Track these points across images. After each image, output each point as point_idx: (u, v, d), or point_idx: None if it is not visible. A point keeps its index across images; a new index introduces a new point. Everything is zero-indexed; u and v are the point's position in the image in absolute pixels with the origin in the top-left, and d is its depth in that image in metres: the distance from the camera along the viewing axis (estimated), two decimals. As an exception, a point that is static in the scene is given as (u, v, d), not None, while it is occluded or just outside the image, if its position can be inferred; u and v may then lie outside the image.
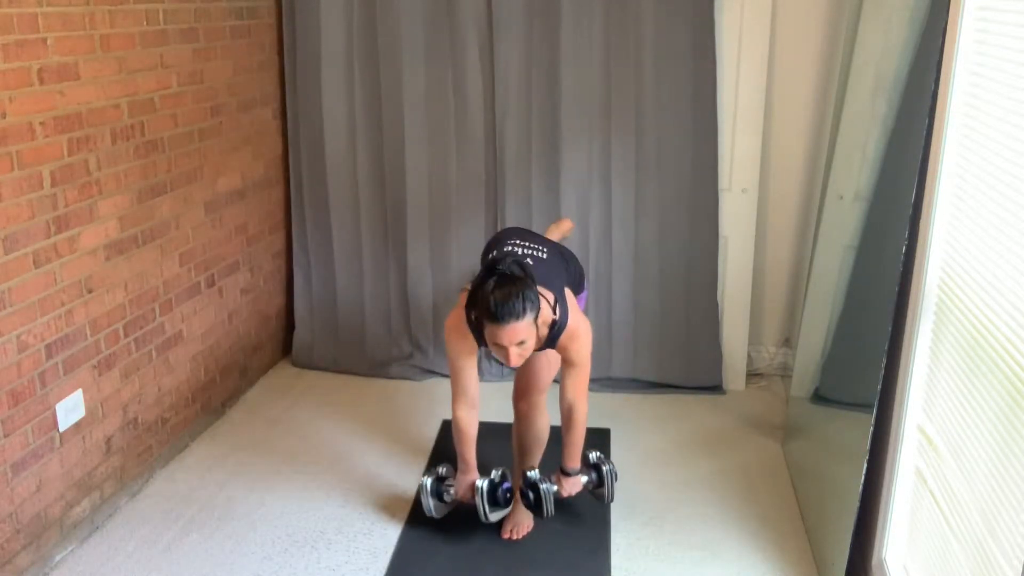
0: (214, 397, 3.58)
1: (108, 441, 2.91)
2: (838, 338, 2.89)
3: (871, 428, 2.34)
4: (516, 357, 2.37)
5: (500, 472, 2.72)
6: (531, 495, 2.65)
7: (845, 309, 2.83)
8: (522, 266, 2.39)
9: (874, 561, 2.49)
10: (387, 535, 2.85)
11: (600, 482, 2.76)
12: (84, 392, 2.77)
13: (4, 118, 2.37)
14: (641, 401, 3.77)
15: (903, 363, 2.31)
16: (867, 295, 2.59)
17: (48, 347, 2.60)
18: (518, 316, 2.29)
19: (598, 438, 3.44)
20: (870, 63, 2.77)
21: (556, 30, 3.55)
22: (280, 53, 3.90)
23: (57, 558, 2.70)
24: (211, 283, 3.49)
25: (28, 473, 2.56)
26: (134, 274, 2.99)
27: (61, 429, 2.68)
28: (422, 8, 3.63)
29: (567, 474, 2.71)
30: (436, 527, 2.87)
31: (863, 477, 2.35)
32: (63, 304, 2.66)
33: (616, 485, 2.77)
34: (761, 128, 3.63)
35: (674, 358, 3.83)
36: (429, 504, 2.72)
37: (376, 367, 4.01)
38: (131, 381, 3.01)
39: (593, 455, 2.80)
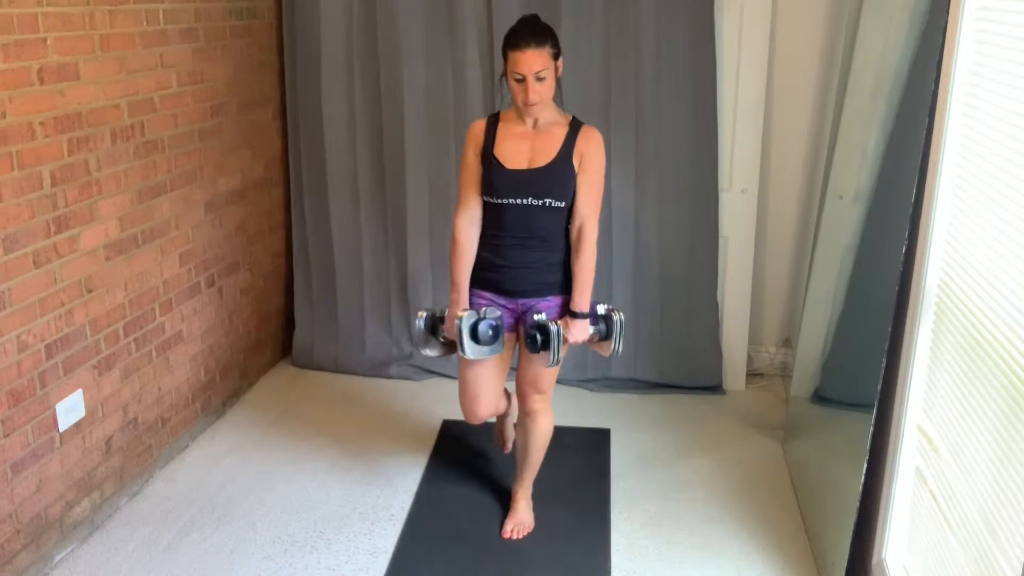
0: (214, 397, 3.58)
1: (108, 441, 2.91)
2: (838, 338, 2.89)
3: (871, 428, 2.34)
4: (534, 92, 2.44)
5: (489, 308, 2.59)
6: (539, 336, 2.52)
7: (845, 309, 2.83)
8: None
9: (874, 561, 2.49)
10: (387, 535, 2.85)
11: (608, 333, 2.62)
12: (84, 392, 2.77)
13: (4, 118, 2.37)
14: (641, 401, 3.77)
15: (903, 363, 2.31)
16: (867, 295, 2.59)
17: (48, 347, 2.60)
18: (539, 40, 2.43)
19: (598, 438, 3.45)
20: (870, 63, 2.77)
21: (556, 30, 3.54)
22: (280, 53, 3.90)
23: (57, 558, 2.70)
24: (211, 283, 3.49)
25: (28, 473, 2.56)
26: (134, 274, 2.99)
27: (61, 429, 2.68)
28: (422, 8, 3.63)
29: (575, 316, 2.57)
30: (436, 527, 2.87)
31: (863, 477, 2.35)
32: (63, 304, 2.66)
33: (623, 339, 2.60)
34: (761, 128, 3.63)
35: (674, 358, 3.83)
36: (422, 336, 2.72)
37: (376, 367, 4.01)
38: (131, 381, 3.01)
39: (602, 307, 2.63)
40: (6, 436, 2.47)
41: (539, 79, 2.44)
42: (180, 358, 3.30)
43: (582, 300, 2.57)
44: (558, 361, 2.53)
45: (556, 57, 2.49)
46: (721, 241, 3.72)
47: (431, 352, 2.75)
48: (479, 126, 2.64)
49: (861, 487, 2.35)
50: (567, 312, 2.61)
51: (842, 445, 2.64)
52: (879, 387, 2.33)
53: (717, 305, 3.78)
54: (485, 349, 2.57)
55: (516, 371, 2.78)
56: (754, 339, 3.99)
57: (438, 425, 3.55)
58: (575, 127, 2.58)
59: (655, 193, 3.67)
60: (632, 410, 3.70)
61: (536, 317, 2.55)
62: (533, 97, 2.46)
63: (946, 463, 2.07)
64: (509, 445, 3.11)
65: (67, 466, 2.72)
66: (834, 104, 3.34)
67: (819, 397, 3.03)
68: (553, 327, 2.49)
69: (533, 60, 2.42)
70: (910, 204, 2.22)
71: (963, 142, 2.07)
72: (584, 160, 2.55)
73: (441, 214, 3.84)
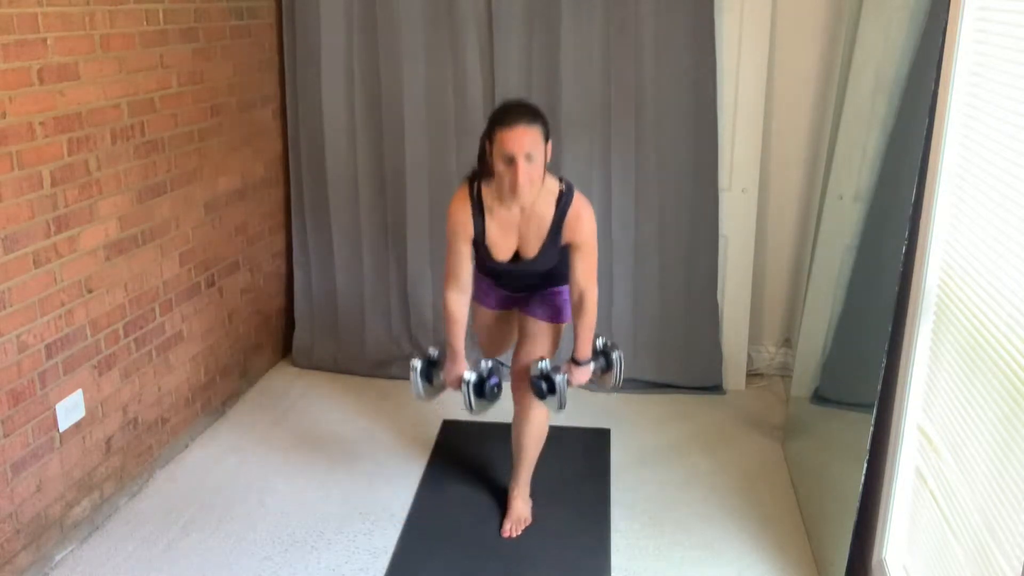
0: (214, 397, 3.58)
1: (108, 441, 2.91)
2: (838, 338, 2.89)
3: (871, 428, 2.34)
4: (524, 174, 2.34)
5: (490, 365, 2.68)
6: (544, 385, 2.60)
7: (845, 309, 2.83)
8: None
9: (874, 561, 2.49)
10: (387, 535, 2.85)
11: (608, 366, 2.73)
12: (84, 392, 2.77)
13: (4, 118, 2.37)
14: (641, 401, 3.77)
15: (903, 363, 2.31)
16: (867, 295, 2.59)
17: (48, 347, 2.60)
18: (529, 120, 2.34)
19: (598, 438, 3.45)
20: (870, 63, 2.77)
21: (556, 30, 3.55)
22: (280, 53, 3.90)
23: (57, 558, 2.70)
24: (211, 283, 3.49)
25: (28, 473, 2.56)
26: (134, 274, 2.99)
27: (61, 429, 2.68)
28: (422, 8, 3.63)
29: (578, 363, 2.68)
30: (436, 527, 2.87)
31: (863, 477, 2.35)
32: (63, 304, 2.66)
33: (623, 371, 2.74)
34: (761, 128, 3.63)
35: (674, 358, 3.83)
36: (419, 386, 2.73)
37: (376, 367, 4.01)
38: (131, 381, 3.01)
39: (599, 341, 2.76)
40: (6, 436, 2.47)
41: (529, 159, 2.34)
42: (180, 358, 3.30)
43: (585, 350, 2.68)
44: (564, 405, 2.62)
45: (547, 138, 2.41)
46: (721, 241, 3.72)
47: (423, 396, 2.78)
48: (464, 215, 2.52)
49: (861, 487, 2.35)
50: (571, 359, 2.71)
51: (842, 445, 2.64)
52: (879, 387, 2.33)
53: (717, 305, 3.78)
54: (490, 403, 2.70)
55: (511, 366, 2.82)
56: (754, 339, 3.99)
57: (438, 425, 3.55)
58: (562, 207, 2.49)
59: (655, 193, 3.67)
60: (632, 410, 3.70)
61: (540, 365, 2.62)
62: (523, 180, 2.34)
63: (946, 463, 2.07)
64: None
65: (67, 466, 2.72)
66: (834, 104, 3.34)
67: (819, 397, 3.03)
68: (558, 377, 2.58)
69: (524, 137, 2.32)
70: (910, 204, 2.22)
71: (963, 142, 2.07)
72: (574, 243, 2.54)
73: (441, 214, 3.84)
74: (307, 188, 3.96)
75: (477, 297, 2.82)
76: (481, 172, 2.54)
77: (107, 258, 2.84)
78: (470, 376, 2.63)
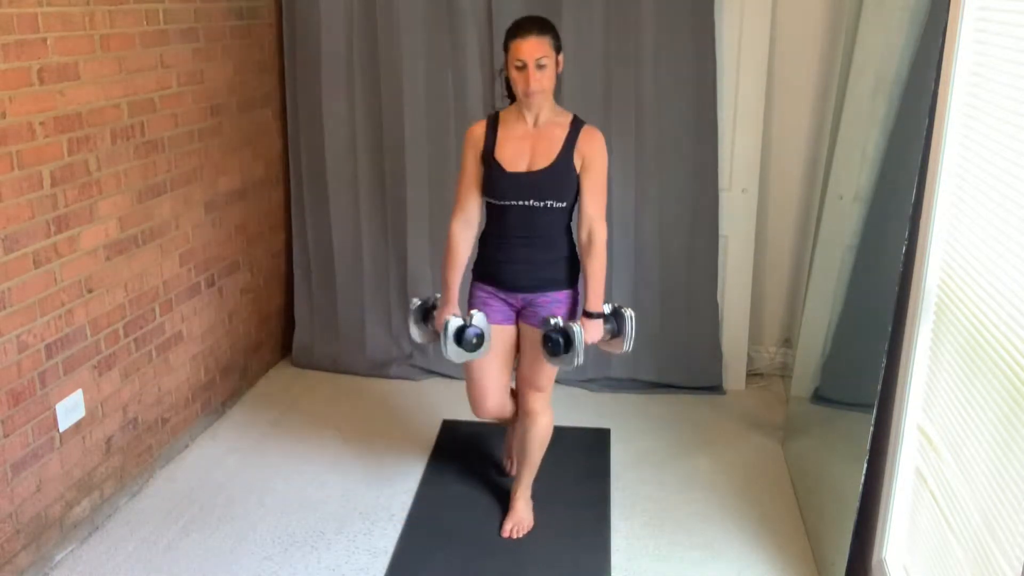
0: (214, 397, 3.58)
1: (108, 441, 2.91)
2: (838, 338, 2.89)
3: (871, 428, 2.34)
4: (535, 80, 2.44)
5: (477, 315, 2.61)
6: (562, 340, 2.50)
7: (845, 309, 2.83)
8: None
9: (874, 561, 2.49)
10: (387, 535, 2.85)
11: (619, 330, 2.64)
12: (84, 392, 2.77)
13: (4, 118, 2.37)
14: (641, 401, 3.77)
15: (903, 363, 2.31)
16: (867, 295, 2.60)
17: (48, 347, 2.61)
18: (539, 30, 2.44)
19: (598, 438, 3.45)
20: (870, 63, 2.77)
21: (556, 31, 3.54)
22: (280, 53, 3.90)
23: (57, 558, 2.70)
24: (211, 283, 3.49)
25: (28, 473, 2.56)
26: (134, 274, 2.99)
27: (61, 429, 2.68)
28: (422, 8, 3.63)
29: (590, 315, 2.58)
30: (436, 527, 2.87)
31: (863, 477, 2.35)
32: (63, 304, 2.66)
33: (635, 330, 2.62)
34: (761, 128, 3.63)
35: (674, 358, 3.83)
36: (413, 327, 2.77)
37: (376, 367, 4.01)
38: (131, 381, 3.01)
39: (607, 306, 2.64)
40: (6, 436, 2.47)
41: (540, 66, 2.44)
42: (180, 358, 3.30)
43: (596, 301, 2.59)
44: (580, 362, 2.52)
45: (557, 50, 2.49)
46: (721, 241, 3.72)
47: (418, 338, 2.79)
48: (479, 128, 2.63)
49: (861, 487, 2.36)
50: (573, 311, 2.65)
51: (842, 445, 2.64)
52: (879, 387, 2.33)
53: (717, 305, 3.78)
54: (467, 353, 2.62)
55: (515, 370, 2.79)
56: (754, 339, 3.99)
57: (438, 425, 3.55)
58: (576, 127, 2.57)
59: (655, 193, 3.67)
60: (632, 410, 3.70)
61: (553, 321, 2.55)
62: (534, 85, 2.45)
63: (946, 463, 2.07)
64: (513, 468, 3.12)
65: (67, 466, 2.72)
66: (834, 104, 3.34)
67: (819, 397, 3.03)
68: (576, 327, 2.49)
69: (535, 47, 2.43)
70: (910, 204, 2.22)
71: (963, 142, 2.07)
72: (586, 162, 2.54)
73: (441, 214, 3.83)
74: (307, 188, 3.96)
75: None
76: (508, 98, 2.63)
77: (107, 258, 2.84)
78: (452, 321, 2.60)
